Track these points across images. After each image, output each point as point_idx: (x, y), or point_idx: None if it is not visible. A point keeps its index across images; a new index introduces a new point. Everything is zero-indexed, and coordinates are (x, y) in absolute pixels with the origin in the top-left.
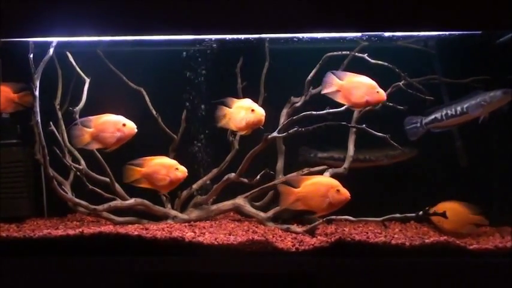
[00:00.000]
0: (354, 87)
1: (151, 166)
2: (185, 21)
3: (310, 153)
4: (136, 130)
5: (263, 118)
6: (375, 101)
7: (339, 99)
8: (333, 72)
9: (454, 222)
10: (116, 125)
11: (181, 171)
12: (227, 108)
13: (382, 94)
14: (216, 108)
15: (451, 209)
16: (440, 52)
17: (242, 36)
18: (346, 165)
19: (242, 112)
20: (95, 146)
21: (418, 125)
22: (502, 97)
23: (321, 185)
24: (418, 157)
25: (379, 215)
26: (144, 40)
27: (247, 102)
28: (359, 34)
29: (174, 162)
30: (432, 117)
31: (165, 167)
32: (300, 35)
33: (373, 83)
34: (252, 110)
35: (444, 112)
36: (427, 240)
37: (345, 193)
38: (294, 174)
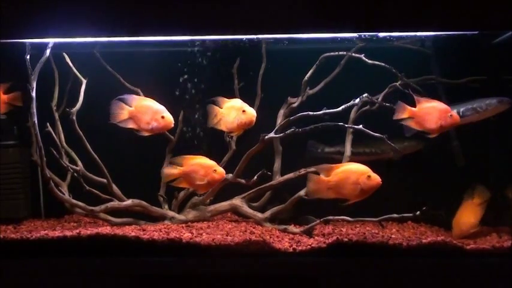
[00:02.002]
0: (427, 113)
1: (190, 165)
2: (181, 22)
3: (317, 148)
4: (172, 125)
5: (254, 119)
6: (449, 125)
7: (413, 125)
8: (404, 100)
9: (473, 223)
10: (155, 114)
11: (219, 172)
12: (218, 108)
13: (456, 118)
14: (207, 108)
15: (469, 211)
16: (437, 52)
17: (239, 37)
18: None
19: (233, 113)
20: (129, 125)
21: None
22: (497, 106)
23: (351, 172)
24: (423, 151)
25: (377, 215)
26: (140, 41)
27: (237, 103)
28: (356, 35)
29: (212, 163)
30: None
31: (204, 168)
32: (297, 36)
33: (446, 107)
34: (243, 111)
35: None
36: (424, 241)
37: (376, 178)
38: (291, 174)
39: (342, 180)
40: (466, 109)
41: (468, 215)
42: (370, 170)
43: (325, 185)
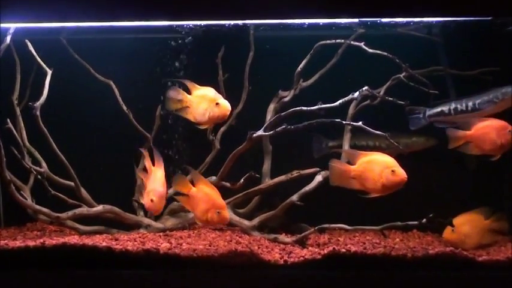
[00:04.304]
0: (484, 134)
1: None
2: (160, 5)
3: (322, 142)
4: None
5: (228, 113)
6: (510, 142)
7: (472, 151)
8: (456, 126)
9: (476, 236)
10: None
11: (223, 216)
12: (185, 93)
13: None
14: (170, 89)
15: (470, 222)
16: (446, 41)
17: (223, 23)
18: None
19: (204, 103)
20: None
21: (421, 115)
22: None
23: (376, 163)
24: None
25: (378, 223)
26: (113, 27)
27: (211, 93)
28: (355, 20)
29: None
30: (438, 109)
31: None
32: (289, 21)
33: (503, 123)
34: (217, 103)
35: (453, 106)
36: (431, 251)
37: (400, 174)
38: (283, 177)
39: (366, 170)
40: (481, 101)
41: (469, 223)
42: (396, 163)
43: (348, 174)
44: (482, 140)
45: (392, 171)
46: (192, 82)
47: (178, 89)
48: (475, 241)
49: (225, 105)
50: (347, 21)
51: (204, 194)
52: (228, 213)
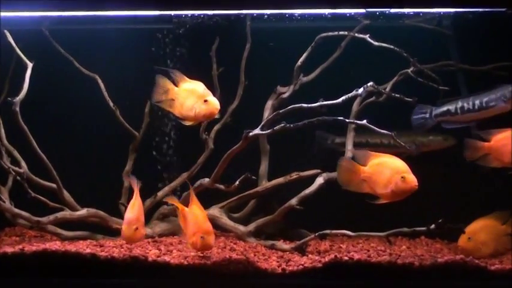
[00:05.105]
0: (504, 145)
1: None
2: None
3: (326, 138)
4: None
5: (217, 112)
6: None
7: (492, 163)
8: (475, 134)
9: (493, 244)
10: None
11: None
12: (172, 84)
13: None
14: (156, 78)
15: (487, 229)
16: (457, 33)
17: (218, 13)
18: None
19: (192, 99)
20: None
21: (427, 115)
22: None
23: (386, 167)
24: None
25: (383, 228)
26: (100, 16)
27: (200, 88)
28: (361, 11)
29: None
30: (444, 109)
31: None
32: (288, 11)
33: None
34: (205, 100)
35: (460, 105)
36: (440, 260)
37: (411, 182)
38: (281, 179)
39: (376, 173)
40: (489, 99)
41: (485, 230)
42: (407, 169)
43: (358, 175)
44: (503, 152)
45: (402, 177)
46: (181, 74)
47: (165, 78)
48: (492, 249)
49: (214, 103)
50: (351, 12)
51: (193, 216)
52: (213, 240)
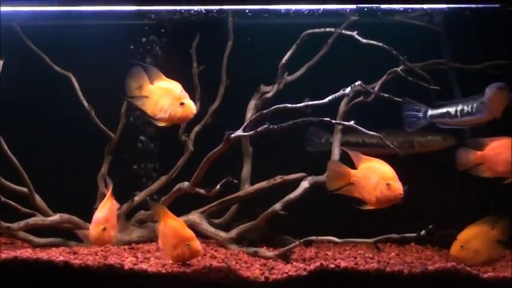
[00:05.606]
0: (498, 154)
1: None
2: None
3: (320, 137)
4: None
5: (192, 116)
6: None
7: (484, 173)
8: (466, 143)
9: (486, 251)
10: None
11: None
12: (147, 80)
13: None
14: (134, 70)
15: (479, 236)
16: (449, 30)
17: (199, 8)
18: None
19: (167, 99)
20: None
21: (421, 115)
22: (495, 93)
23: (374, 172)
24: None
25: (372, 235)
26: (74, 11)
27: (177, 89)
28: (348, 6)
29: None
30: (443, 110)
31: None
32: (272, 7)
33: None
34: (182, 103)
35: (460, 107)
36: (430, 267)
37: (396, 190)
38: (264, 183)
39: (364, 178)
40: (478, 105)
41: (478, 238)
42: (394, 176)
43: (348, 178)
44: (495, 162)
45: (388, 184)
46: (158, 71)
47: (141, 72)
48: (486, 256)
49: (191, 107)
50: (338, 7)
51: (170, 228)
52: (199, 244)
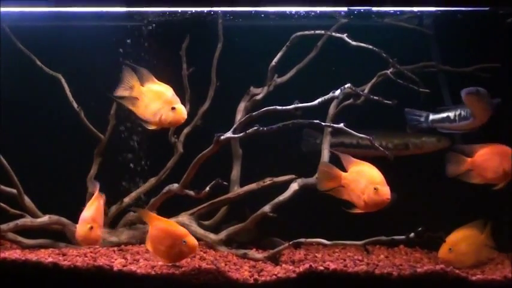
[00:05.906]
0: (487, 160)
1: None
2: None
3: (315, 138)
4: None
5: (183, 120)
6: None
7: (474, 179)
8: (456, 149)
9: (474, 254)
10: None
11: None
12: (138, 82)
13: None
14: (125, 70)
15: (468, 239)
16: (439, 33)
17: (188, 10)
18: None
19: (158, 102)
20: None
21: (422, 119)
22: (466, 99)
23: (363, 176)
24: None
25: (361, 237)
26: (64, 12)
27: (168, 93)
28: (339, 9)
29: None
30: (444, 115)
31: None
32: (262, 9)
33: (505, 148)
34: (173, 108)
35: (458, 112)
36: (419, 270)
37: (384, 194)
38: (254, 185)
39: (354, 181)
40: (466, 112)
41: (466, 241)
42: (383, 180)
43: (338, 180)
44: (485, 168)
45: (375, 188)
46: (149, 73)
47: (132, 74)
48: (474, 259)
49: (182, 111)
50: (328, 10)
51: (162, 229)
52: (195, 238)
